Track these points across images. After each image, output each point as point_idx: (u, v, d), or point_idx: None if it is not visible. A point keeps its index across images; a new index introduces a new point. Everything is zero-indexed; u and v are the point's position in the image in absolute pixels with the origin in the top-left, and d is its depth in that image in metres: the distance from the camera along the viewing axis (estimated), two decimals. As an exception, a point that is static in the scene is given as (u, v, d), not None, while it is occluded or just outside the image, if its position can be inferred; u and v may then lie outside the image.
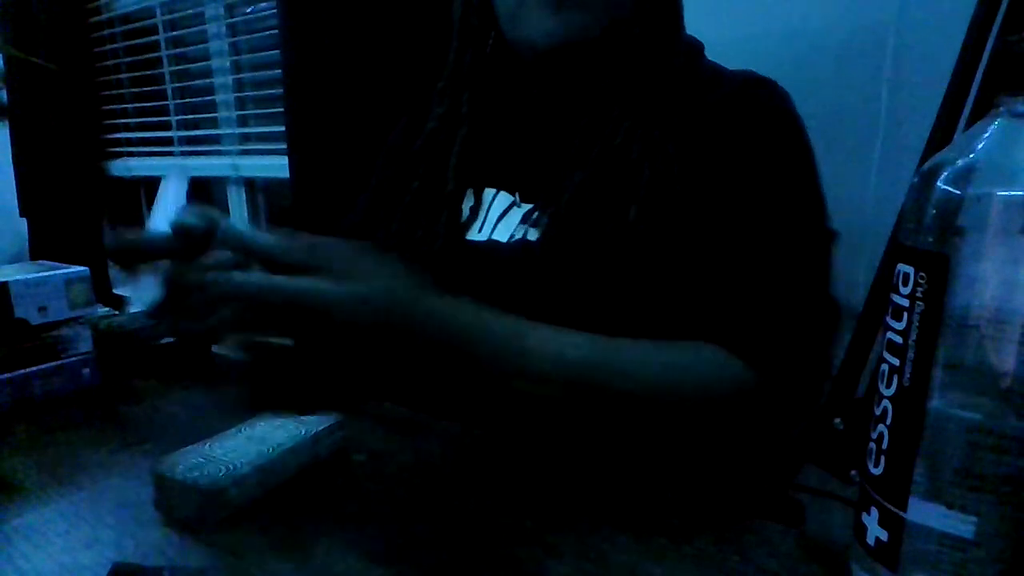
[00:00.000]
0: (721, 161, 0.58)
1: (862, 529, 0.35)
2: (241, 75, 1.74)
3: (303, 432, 0.52)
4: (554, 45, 0.59)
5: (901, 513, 0.32)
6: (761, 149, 0.58)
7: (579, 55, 0.60)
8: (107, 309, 0.81)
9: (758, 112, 0.59)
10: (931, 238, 0.31)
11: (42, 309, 0.69)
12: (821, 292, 0.58)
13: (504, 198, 0.65)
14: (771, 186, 0.57)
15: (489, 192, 0.66)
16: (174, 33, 1.85)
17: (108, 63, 2.02)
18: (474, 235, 0.65)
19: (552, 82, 0.64)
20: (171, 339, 0.78)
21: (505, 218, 0.64)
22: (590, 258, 0.58)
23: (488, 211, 0.65)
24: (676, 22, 0.64)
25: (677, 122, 0.60)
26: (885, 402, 0.33)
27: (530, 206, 0.63)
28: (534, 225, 0.62)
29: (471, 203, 0.66)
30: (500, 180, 0.66)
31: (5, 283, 0.66)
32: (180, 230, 0.43)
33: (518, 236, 0.62)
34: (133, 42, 1.94)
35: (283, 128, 1.39)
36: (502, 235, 0.63)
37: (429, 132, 0.68)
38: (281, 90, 1.38)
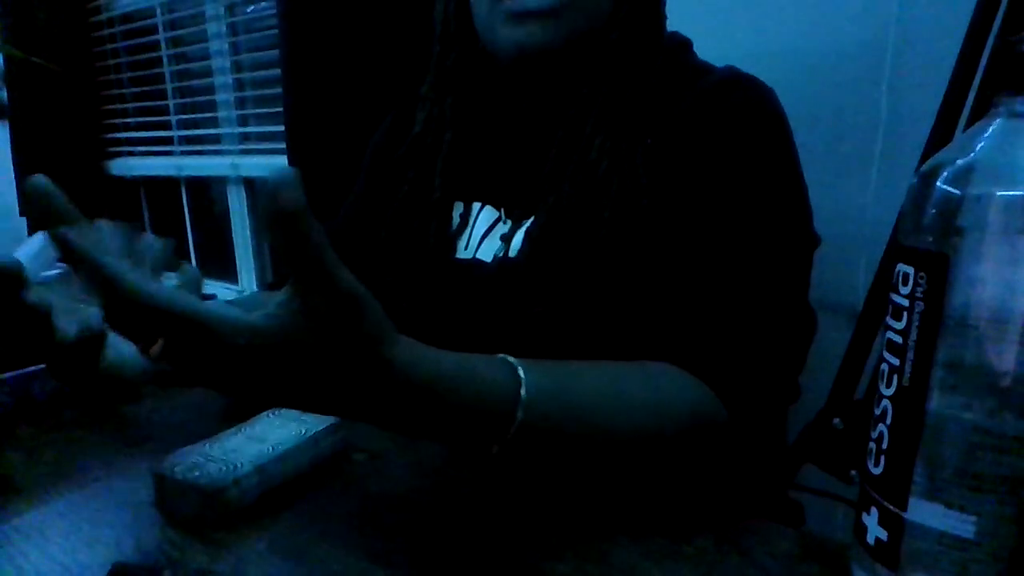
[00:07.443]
0: (694, 166, 0.56)
1: (862, 529, 0.35)
2: (241, 75, 1.74)
3: (303, 432, 0.52)
4: (519, 55, 0.58)
5: (901, 513, 0.32)
6: (734, 151, 0.56)
7: (547, 65, 0.60)
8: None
9: (732, 112, 0.57)
10: (931, 238, 0.31)
11: (42, 309, 0.68)
12: (797, 305, 0.56)
13: (489, 213, 0.65)
14: (744, 191, 0.55)
15: (475, 206, 0.66)
16: (174, 33, 1.85)
17: (108, 63, 2.02)
18: (460, 253, 0.65)
19: (529, 92, 0.64)
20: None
21: (490, 236, 0.64)
22: (565, 278, 0.57)
23: (474, 226, 0.65)
24: (657, 28, 0.62)
25: (652, 127, 0.58)
26: (885, 402, 0.33)
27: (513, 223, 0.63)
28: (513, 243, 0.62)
29: (460, 211, 0.66)
30: (486, 193, 0.66)
31: (5, 283, 0.66)
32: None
33: (500, 256, 0.62)
34: (133, 42, 1.94)
35: (283, 128, 1.39)
36: (486, 254, 0.63)
37: (415, 137, 0.68)
38: (281, 90, 1.38)
